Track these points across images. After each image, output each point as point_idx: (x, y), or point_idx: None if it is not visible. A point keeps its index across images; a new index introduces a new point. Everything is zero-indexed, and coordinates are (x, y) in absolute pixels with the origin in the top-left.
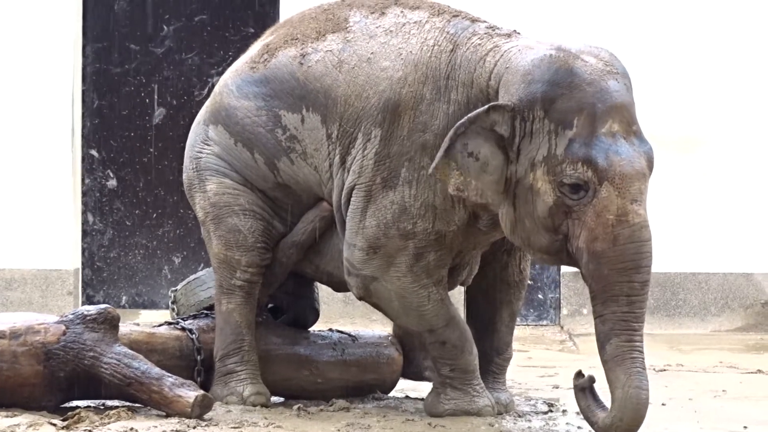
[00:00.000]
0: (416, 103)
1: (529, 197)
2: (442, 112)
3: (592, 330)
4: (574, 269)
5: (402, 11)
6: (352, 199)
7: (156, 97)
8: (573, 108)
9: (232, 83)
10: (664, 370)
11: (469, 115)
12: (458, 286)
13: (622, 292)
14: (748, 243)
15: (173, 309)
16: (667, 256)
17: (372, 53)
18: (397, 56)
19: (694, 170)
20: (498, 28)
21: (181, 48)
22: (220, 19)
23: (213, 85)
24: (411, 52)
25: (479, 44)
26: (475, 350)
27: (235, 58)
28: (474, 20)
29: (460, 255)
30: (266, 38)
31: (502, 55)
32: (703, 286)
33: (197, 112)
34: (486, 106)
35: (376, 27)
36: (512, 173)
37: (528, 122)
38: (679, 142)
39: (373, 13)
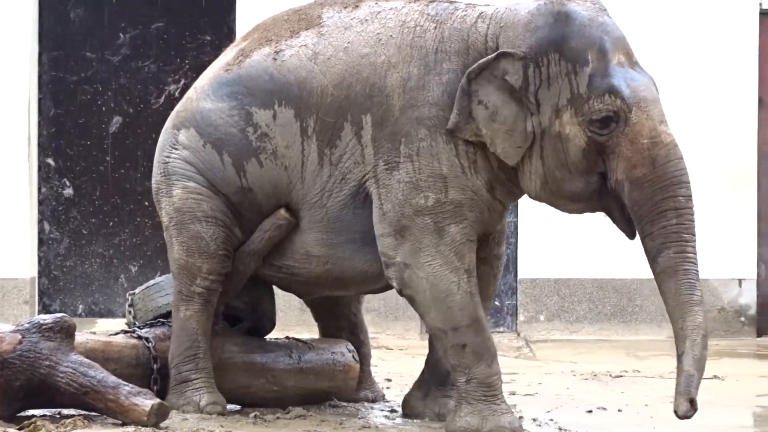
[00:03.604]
0: (404, 82)
1: (558, 146)
2: (434, 83)
3: (549, 336)
4: (531, 276)
5: (376, 2)
6: (369, 191)
7: (112, 105)
8: (585, 44)
9: (208, 87)
10: (621, 376)
11: (479, 61)
12: None
13: (669, 207)
14: (704, 249)
15: (130, 312)
16: (623, 262)
17: (349, 42)
18: (377, 42)
19: None
20: (476, 5)
21: (138, 56)
22: (177, 26)
23: (170, 93)
24: (391, 36)
25: (465, 15)
26: (497, 366)
27: (192, 65)
28: (452, 1)
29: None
30: (240, 43)
31: (491, 18)
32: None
33: (154, 121)
34: (495, 53)
35: (351, 19)
36: (535, 126)
37: (543, 68)
38: None
39: (346, 8)
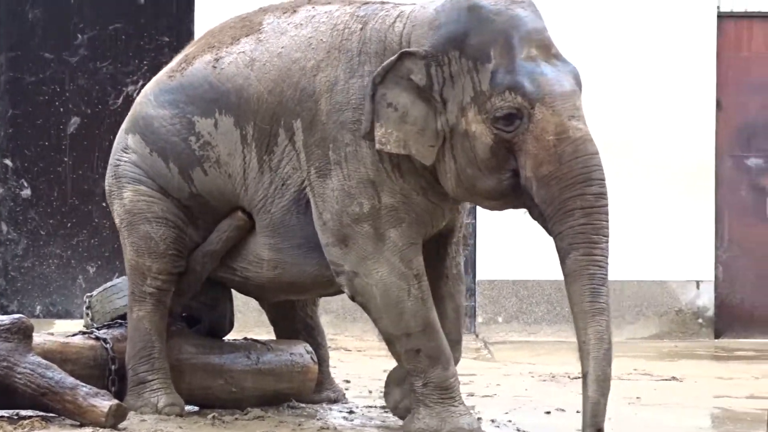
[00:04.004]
0: (331, 86)
1: (466, 144)
2: (357, 86)
3: (508, 338)
4: (489, 278)
5: (313, 6)
6: (309, 198)
7: (70, 106)
8: (486, 40)
9: (150, 93)
10: (579, 377)
11: (383, 64)
12: None
13: (576, 206)
14: (663, 251)
15: (87, 314)
16: None
17: (282, 47)
18: (308, 46)
19: (607, 179)
20: (402, 5)
21: (96, 57)
22: (135, 27)
23: (128, 94)
24: (322, 40)
25: (386, 15)
26: (453, 369)
27: (150, 66)
28: (384, 2)
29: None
30: (187, 49)
31: (407, 17)
32: (618, 294)
33: (112, 121)
34: (398, 54)
35: (288, 24)
36: (443, 124)
37: (445, 66)
38: None
39: (285, 12)
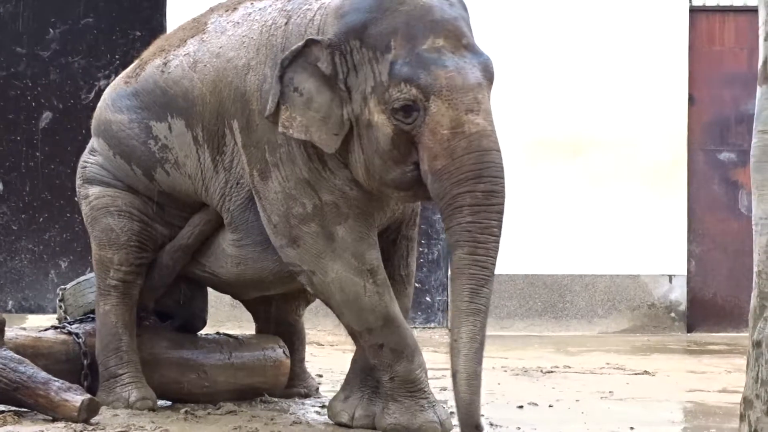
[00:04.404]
0: (260, 85)
1: (370, 134)
2: None
3: None
4: None
5: (252, 3)
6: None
7: (42, 100)
8: (386, 31)
9: (108, 98)
10: (552, 371)
11: (291, 48)
12: None
13: (464, 203)
14: (635, 245)
15: (61, 307)
16: (554, 259)
17: (221, 47)
18: (241, 45)
19: (580, 173)
20: None
21: (68, 51)
22: (107, 22)
23: (100, 89)
24: (252, 37)
25: (308, 9)
26: (419, 359)
27: (122, 61)
28: None
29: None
30: (144, 53)
31: (325, 8)
32: (590, 288)
33: (84, 116)
34: (304, 41)
35: (227, 22)
36: (350, 114)
37: (348, 56)
38: (566, 145)
39: (227, 11)
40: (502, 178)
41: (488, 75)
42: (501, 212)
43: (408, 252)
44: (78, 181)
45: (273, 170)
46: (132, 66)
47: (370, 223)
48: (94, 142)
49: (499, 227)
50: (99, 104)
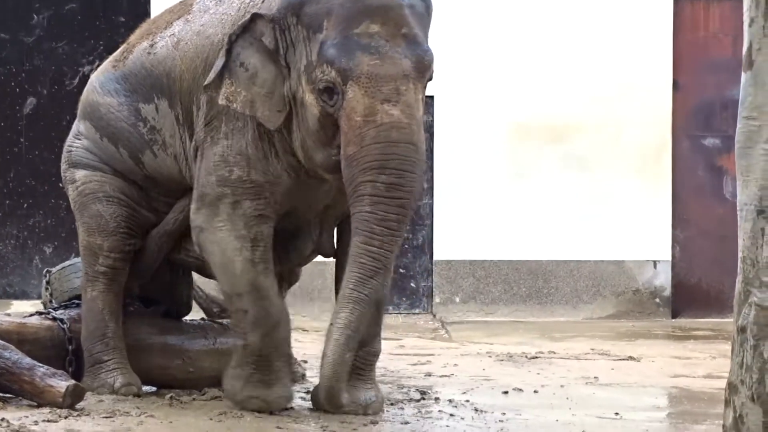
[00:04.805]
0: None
1: (303, 113)
2: None
3: (465, 318)
4: (446, 258)
5: None
6: None
7: (26, 86)
8: (321, 11)
9: (96, 80)
10: (536, 357)
11: (239, 23)
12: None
13: (366, 192)
14: (620, 231)
15: (47, 289)
16: (538, 244)
17: (202, 25)
18: (219, 22)
19: (564, 158)
20: None
21: (52, 37)
22: (91, 8)
23: (84, 74)
24: (230, 14)
25: None
26: (278, 338)
27: (107, 47)
28: None
29: (296, 214)
30: (131, 37)
31: None
32: (575, 274)
33: (68, 102)
34: (250, 15)
35: (211, 1)
36: (288, 90)
37: (287, 32)
38: (549, 130)
39: None
40: (410, 171)
41: (420, 67)
42: (403, 206)
43: None
44: (63, 166)
45: (222, 139)
46: (119, 50)
47: (280, 209)
48: (80, 126)
49: (400, 221)
50: (86, 88)
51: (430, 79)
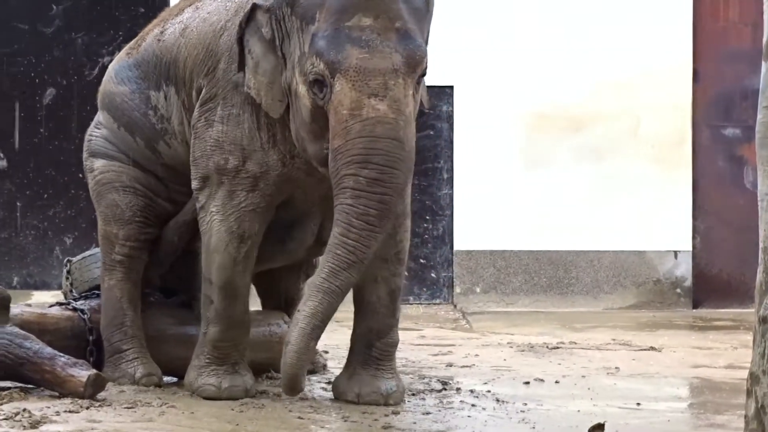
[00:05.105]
0: (231, 46)
1: (297, 104)
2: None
3: (486, 308)
4: (467, 248)
5: None
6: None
7: (46, 77)
8: (314, 2)
9: (112, 70)
10: (558, 347)
11: (245, 12)
12: None
13: (348, 185)
14: (640, 221)
15: (67, 279)
16: (559, 235)
17: (208, 13)
18: (224, 9)
19: (584, 148)
20: None
21: (71, 27)
22: None
23: (103, 65)
24: (235, 2)
25: None
26: (236, 337)
27: (126, 37)
28: None
29: (294, 204)
30: (148, 26)
31: None
32: (596, 264)
33: (87, 92)
34: (251, 5)
35: None
36: (285, 80)
37: (282, 22)
38: (569, 119)
39: None
40: (394, 168)
41: (411, 62)
42: (384, 201)
43: (396, 230)
44: (84, 155)
45: (218, 121)
46: (135, 39)
47: (275, 200)
48: (99, 116)
49: (380, 216)
50: (104, 77)
51: (424, 74)
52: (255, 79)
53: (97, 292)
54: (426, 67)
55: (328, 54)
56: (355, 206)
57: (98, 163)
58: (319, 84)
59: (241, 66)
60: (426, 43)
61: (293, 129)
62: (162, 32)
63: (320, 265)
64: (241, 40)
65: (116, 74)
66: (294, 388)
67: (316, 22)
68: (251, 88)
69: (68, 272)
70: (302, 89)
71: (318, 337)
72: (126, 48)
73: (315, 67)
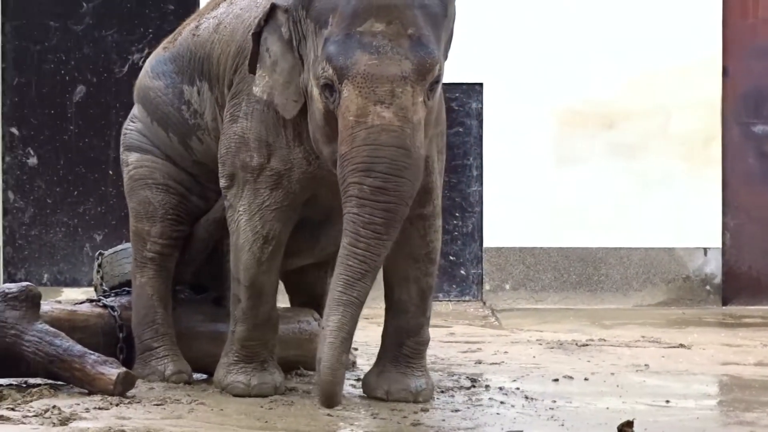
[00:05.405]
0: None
1: (312, 106)
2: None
3: (515, 305)
4: (496, 245)
5: None
6: None
7: (76, 74)
8: (328, 6)
9: (148, 64)
10: (587, 344)
11: (265, 10)
12: None
13: (353, 194)
14: (670, 218)
15: (98, 272)
16: (588, 231)
17: (242, 8)
18: (256, 5)
19: (614, 145)
20: None
21: (101, 25)
22: None
23: (133, 62)
24: None
25: None
26: (265, 337)
27: (156, 35)
28: None
29: (319, 203)
30: (186, 20)
31: None
32: (625, 261)
33: (117, 90)
34: (270, 4)
35: None
36: (302, 82)
37: (299, 24)
38: (599, 116)
39: None
40: (399, 176)
41: (421, 69)
42: (389, 210)
43: (425, 231)
44: (121, 148)
45: (242, 119)
46: (173, 33)
47: (300, 198)
48: (135, 109)
49: (386, 224)
50: (141, 71)
51: (437, 81)
52: (270, 78)
53: (127, 288)
54: (439, 74)
55: (337, 59)
56: (360, 215)
57: (132, 157)
58: (329, 89)
59: (253, 64)
60: (447, 47)
61: (310, 130)
62: (197, 27)
63: (335, 276)
64: (256, 38)
65: (152, 69)
66: (332, 403)
67: (329, 27)
68: (259, 86)
69: (99, 265)
70: (315, 92)
71: (348, 350)
72: (163, 42)
73: (325, 71)
